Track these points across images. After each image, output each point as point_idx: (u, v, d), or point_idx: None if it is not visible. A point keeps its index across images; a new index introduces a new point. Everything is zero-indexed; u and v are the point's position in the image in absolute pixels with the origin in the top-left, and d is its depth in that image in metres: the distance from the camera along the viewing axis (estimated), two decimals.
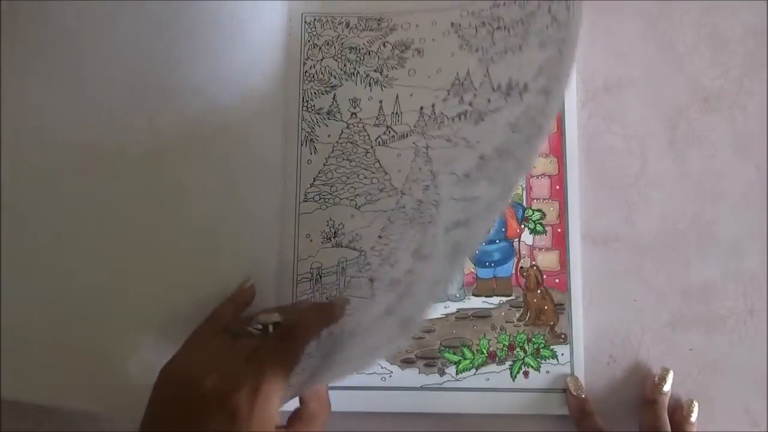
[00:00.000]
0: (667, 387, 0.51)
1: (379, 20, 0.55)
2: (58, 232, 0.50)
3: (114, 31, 0.52)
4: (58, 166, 0.51)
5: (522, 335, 0.53)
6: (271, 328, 0.42)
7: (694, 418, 0.50)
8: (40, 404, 0.49)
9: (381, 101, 0.55)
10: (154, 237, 0.50)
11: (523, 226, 0.54)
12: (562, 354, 0.52)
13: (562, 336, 0.53)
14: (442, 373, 0.52)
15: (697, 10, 0.57)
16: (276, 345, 0.40)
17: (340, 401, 0.51)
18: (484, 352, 0.52)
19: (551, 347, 0.52)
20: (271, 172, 0.53)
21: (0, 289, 0.49)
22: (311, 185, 0.54)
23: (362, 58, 0.55)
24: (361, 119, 0.55)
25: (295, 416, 0.43)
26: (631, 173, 0.55)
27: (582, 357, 0.53)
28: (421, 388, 0.52)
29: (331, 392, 0.51)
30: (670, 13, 0.57)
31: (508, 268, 0.54)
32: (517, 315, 0.53)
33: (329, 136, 0.55)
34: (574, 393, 0.51)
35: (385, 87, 0.55)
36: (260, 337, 0.41)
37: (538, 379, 0.52)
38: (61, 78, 0.52)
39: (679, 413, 0.51)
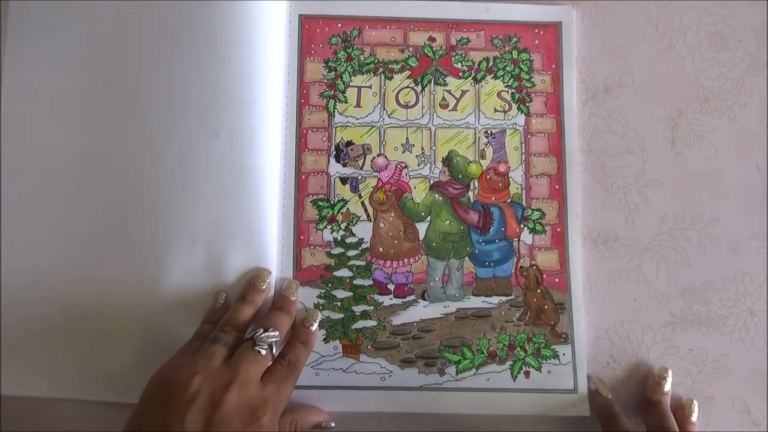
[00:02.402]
0: (667, 387, 0.51)
1: None
2: (57, 232, 0.51)
3: (114, 32, 0.53)
4: (58, 167, 0.51)
5: (522, 335, 0.53)
6: (275, 349, 0.46)
7: (694, 417, 0.50)
8: (40, 397, 0.50)
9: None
10: (153, 238, 0.51)
11: (522, 225, 0.54)
12: (564, 354, 0.52)
13: (563, 335, 0.53)
14: (441, 373, 0.52)
15: (697, 10, 0.57)
16: (286, 374, 0.46)
17: (339, 401, 0.51)
18: (484, 351, 0.52)
19: (552, 347, 0.52)
20: (271, 174, 0.53)
21: (0, 289, 0.50)
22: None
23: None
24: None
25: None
26: (631, 173, 0.55)
27: (585, 356, 0.52)
28: (421, 388, 0.52)
29: (330, 392, 0.51)
30: (670, 13, 0.57)
31: (508, 268, 0.54)
32: (517, 314, 0.53)
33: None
34: (602, 393, 0.51)
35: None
36: (268, 357, 0.45)
37: (539, 379, 0.52)
38: (59, 78, 0.52)
39: (679, 413, 0.51)
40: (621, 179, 0.55)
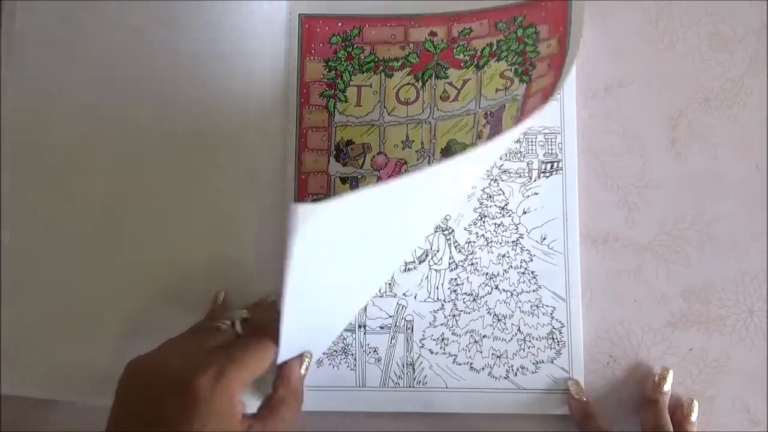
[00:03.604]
0: (667, 387, 0.51)
1: None
2: (57, 231, 0.51)
3: (115, 31, 0.52)
4: (58, 167, 0.51)
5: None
6: (238, 324, 0.44)
7: (694, 417, 0.50)
8: (39, 397, 0.50)
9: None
10: (152, 240, 0.50)
11: None
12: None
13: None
14: None
15: (697, 10, 0.57)
16: (246, 340, 0.42)
17: (336, 401, 0.51)
18: None
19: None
20: (271, 176, 0.53)
21: (0, 288, 0.50)
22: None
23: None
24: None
25: (264, 405, 0.42)
26: (631, 173, 0.55)
27: (581, 357, 0.52)
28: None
29: (328, 392, 0.51)
30: (670, 13, 0.57)
31: None
32: None
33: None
34: (576, 396, 0.51)
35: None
36: (229, 332, 0.43)
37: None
38: (61, 77, 0.52)
39: (679, 413, 0.51)
40: (621, 179, 0.55)
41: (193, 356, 0.39)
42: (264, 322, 0.44)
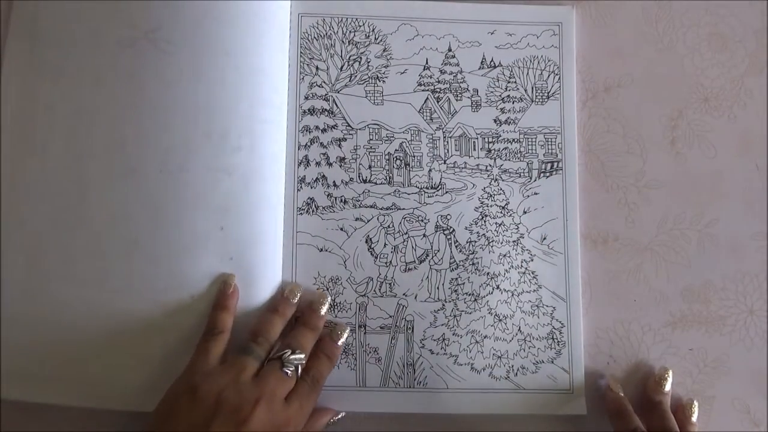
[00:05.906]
0: (667, 387, 0.51)
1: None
2: (59, 233, 0.50)
3: (116, 32, 0.52)
4: (58, 168, 0.51)
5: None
6: (299, 370, 0.47)
7: (694, 418, 0.50)
8: (41, 403, 0.49)
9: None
10: (154, 245, 0.50)
11: None
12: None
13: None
14: None
15: (697, 10, 0.57)
16: (309, 391, 0.46)
17: (336, 401, 0.51)
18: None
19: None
20: (276, 176, 0.53)
21: (0, 291, 0.49)
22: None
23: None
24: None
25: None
26: (631, 173, 0.55)
27: (582, 357, 0.52)
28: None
29: (328, 392, 0.51)
30: (670, 13, 0.57)
31: None
32: None
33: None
34: (614, 390, 0.51)
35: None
36: (293, 380, 0.46)
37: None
38: (60, 86, 0.52)
39: (679, 413, 0.51)
40: (621, 179, 0.55)
41: (273, 407, 0.43)
42: (317, 369, 0.48)
